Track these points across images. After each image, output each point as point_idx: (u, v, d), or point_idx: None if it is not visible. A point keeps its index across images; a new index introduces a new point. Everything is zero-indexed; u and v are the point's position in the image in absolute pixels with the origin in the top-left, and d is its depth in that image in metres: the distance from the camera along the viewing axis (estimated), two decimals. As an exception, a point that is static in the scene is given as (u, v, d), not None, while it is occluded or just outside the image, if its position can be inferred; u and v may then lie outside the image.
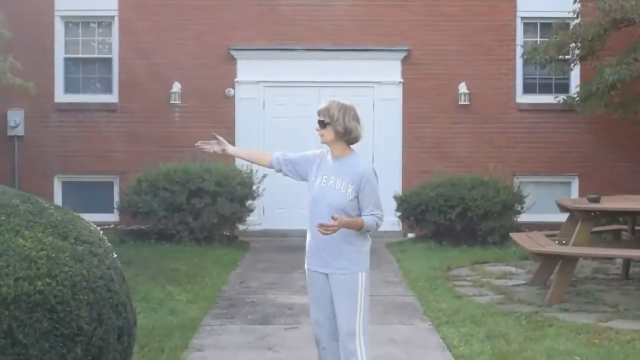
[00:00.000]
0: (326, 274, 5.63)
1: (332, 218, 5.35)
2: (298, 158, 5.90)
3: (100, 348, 4.70)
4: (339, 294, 5.58)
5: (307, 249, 5.78)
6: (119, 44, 15.94)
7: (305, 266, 5.80)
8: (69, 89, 16.07)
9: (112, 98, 15.98)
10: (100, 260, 5.00)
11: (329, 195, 5.58)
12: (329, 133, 5.66)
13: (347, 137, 5.68)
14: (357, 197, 5.58)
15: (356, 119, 5.74)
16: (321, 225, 5.32)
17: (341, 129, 5.64)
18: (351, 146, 5.76)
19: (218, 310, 9.03)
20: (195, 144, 6.14)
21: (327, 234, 5.35)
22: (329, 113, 5.67)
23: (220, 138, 6.06)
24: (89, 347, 4.58)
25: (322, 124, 5.67)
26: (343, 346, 5.59)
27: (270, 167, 5.97)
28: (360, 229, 5.52)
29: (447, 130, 15.82)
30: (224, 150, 6.05)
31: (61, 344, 4.37)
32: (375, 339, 7.67)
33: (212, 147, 6.06)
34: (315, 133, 5.78)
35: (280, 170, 5.93)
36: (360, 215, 5.58)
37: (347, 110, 5.71)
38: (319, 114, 5.70)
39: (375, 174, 5.70)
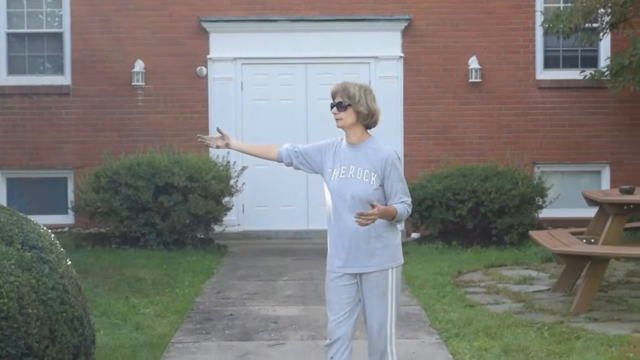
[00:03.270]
0: (355, 274, 5.89)
1: (371, 206, 5.58)
2: (310, 149, 6.12)
3: (53, 370, 4.73)
4: (370, 292, 5.87)
5: (329, 247, 6.00)
6: (70, 16, 15.88)
7: (327, 267, 6.02)
8: (12, 69, 16.04)
9: (64, 80, 15.95)
10: (52, 268, 5.02)
11: (352, 186, 5.81)
12: (350, 116, 5.88)
13: (369, 120, 5.94)
14: (381, 185, 5.82)
15: (375, 100, 6.00)
16: (360, 215, 5.53)
17: (365, 110, 5.89)
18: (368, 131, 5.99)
19: (191, 325, 9.04)
20: (198, 138, 6.46)
21: (367, 224, 5.59)
22: (348, 93, 5.87)
23: (225, 132, 6.29)
24: (39, 368, 4.60)
25: (342, 106, 5.86)
26: (374, 348, 5.94)
27: (280, 160, 6.22)
28: (393, 218, 5.79)
29: (455, 113, 15.85)
30: (227, 144, 6.26)
31: (7, 366, 4.39)
32: (374, 355, 7.72)
33: (214, 141, 6.30)
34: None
35: (290, 164, 6.17)
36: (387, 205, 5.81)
37: (368, 91, 5.96)
38: (334, 94, 5.91)
39: (399, 158, 5.96)
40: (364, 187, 5.78)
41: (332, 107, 5.88)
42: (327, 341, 5.97)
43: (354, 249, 5.83)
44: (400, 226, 15.33)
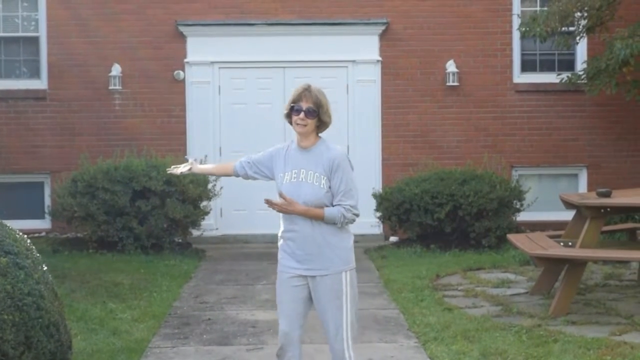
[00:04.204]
0: (305, 277, 5.90)
1: (280, 196, 5.71)
2: (261, 157, 6.17)
3: (29, 376, 4.70)
4: (323, 296, 5.87)
5: (280, 249, 6.03)
6: (47, 20, 15.81)
7: (279, 269, 6.05)
8: (-11, 73, 15.99)
9: (40, 84, 15.88)
10: (28, 273, 4.99)
11: (303, 191, 5.83)
12: (313, 123, 5.90)
13: (326, 126, 5.97)
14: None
15: None
16: (267, 201, 5.74)
17: (328, 119, 5.94)
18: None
19: (169, 330, 9.02)
20: (167, 171, 6.75)
21: (286, 211, 5.76)
22: (318, 102, 5.89)
23: (191, 160, 6.54)
24: (15, 375, 4.57)
25: (314, 113, 5.85)
26: (334, 353, 5.93)
27: (237, 175, 6.33)
28: (321, 220, 5.81)
29: (433, 116, 15.88)
30: (190, 170, 6.44)
31: (-18, 373, 4.36)
32: (353, 359, 7.71)
33: (179, 169, 6.47)
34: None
35: (246, 175, 6.24)
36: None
37: (325, 95, 5.96)
38: (299, 98, 5.89)
39: (349, 160, 5.93)
40: (315, 191, 5.81)
41: (298, 112, 5.86)
42: (279, 345, 5.97)
43: (306, 252, 5.86)
44: (379, 229, 15.43)
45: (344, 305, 5.88)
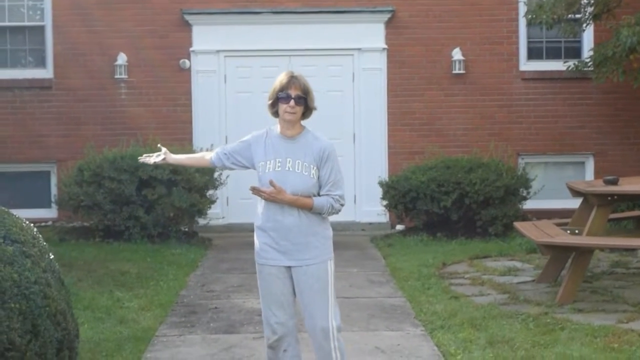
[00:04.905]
0: (289, 268, 5.86)
1: (270, 184, 5.64)
2: (237, 147, 6.11)
3: (36, 364, 4.70)
4: (309, 286, 5.81)
5: (260, 241, 5.95)
6: (52, 10, 15.82)
7: (259, 261, 5.99)
8: (-6, 63, 15.99)
9: (46, 73, 15.89)
10: (35, 262, 5.00)
11: (291, 180, 5.77)
12: (300, 111, 5.85)
13: (310, 114, 5.94)
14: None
15: None
16: (252, 189, 5.72)
17: (313, 106, 5.90)
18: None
19: (175, 319, 9.03)
20: (139, 160, 6.71)
21: (270, 199, 5.71)
22: (306, 88, 5.85)
23: (164, 149, 6.44)
24: (22, 363, 4.58)
25: (303, 101, 5.82)
26: (318, 345, 5.85)
27: (213, 166, 6.28)
28: (310, 209, 5.77)
29: (439, 105, 15.86)
30: (164, 159, 6.39)
31: (-11, 361, 4.37)
32: (360, 347, 7.74)
33: (152, 159, 6.44)
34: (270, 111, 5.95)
35: (223, 166, 6.19)
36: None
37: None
38: (287, 86, 5.82)
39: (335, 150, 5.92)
40: (305, 181, 5.77)
41: (287, 100, 5.77)
42: (275, 337, 5.91)
43: (292, 242, 5.80)
44: (386, 218, 15.41)
45: (330, 294, 5.84)
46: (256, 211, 5.98)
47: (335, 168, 5.83)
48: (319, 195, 5.81)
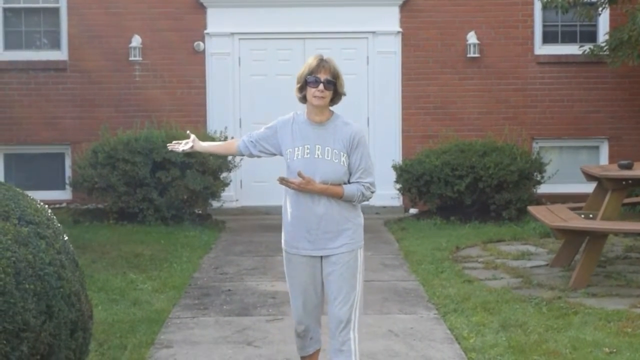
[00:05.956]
0: (319, 257, 5.75)
1: (299, 175, 5.52)
2: (264, 134, 5.96)
3: (50, 345, 4.71)
4: (339, 274, 5.69)
5: (289, 230, 5.84)
6: (67, -9, 15.84)
7: (289, 250, 5.87)
8: (9, 45, 15.96)
9: (61, 55, 15.90)
10: (49, 243, 5.00)
11: (321, 168, 5.64)
12: (329, 96, 5.71)
13: (339, 99, 5.82)
14: None
15: None
16: (282, 180, 5.59)
17: (343, 90, 5.77)
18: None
19: (189, 301, 9.05)
20: (168, 147, 6.61)
21: (299, 189, 5.59)
22: (335, 71, 5.71)
23: (193, 136, 6.32)
24: (36, 344, 4.58)
25: (332, 85, 5.69)
26: (335, 335, 5.72)
27: (240, 154, 6.13)
28: (340, 198, 5.65)
29: (454, 88, 15.82)
30: (192, 147, 6.27)
31: (4, 341, 4.37)
32: (373, 330, 7.75)
33: (181, 146, 6.32)
34: (294, 94, 5.83)
35: (251, 154, 6.03)
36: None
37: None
38: (316, 70, 5.68)
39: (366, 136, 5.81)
40: (335, 169, 5.64)
41: (316, 84, 5.62)
42: (301, 327, 5.92)
43: (322, 231, 5.67)
44: (399, 202, 15.41)
45: (357, 283, 5.72)
46: (284, 200, 5.85)
47: (365, 154, 5.70)
48: (348, 182, 5.70)
